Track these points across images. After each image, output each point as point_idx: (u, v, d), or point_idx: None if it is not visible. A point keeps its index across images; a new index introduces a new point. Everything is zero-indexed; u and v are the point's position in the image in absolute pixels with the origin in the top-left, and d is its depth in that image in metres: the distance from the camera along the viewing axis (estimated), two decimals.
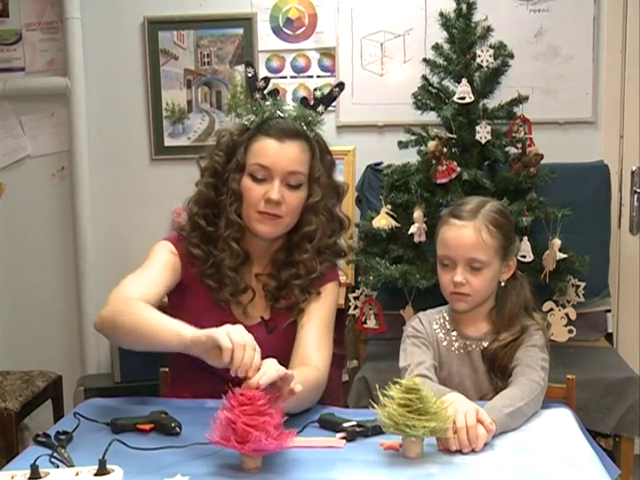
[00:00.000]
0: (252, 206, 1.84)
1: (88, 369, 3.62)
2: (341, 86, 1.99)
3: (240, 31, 3.53)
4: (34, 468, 1.30)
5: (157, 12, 3.54)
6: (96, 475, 1.30)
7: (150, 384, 2.16)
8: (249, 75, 1.95)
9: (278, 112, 1.87)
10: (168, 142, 3.61)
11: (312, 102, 1.94)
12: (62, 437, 1.60)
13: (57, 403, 3.35)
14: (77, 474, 1.31)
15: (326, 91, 1.97)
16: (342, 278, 2.08)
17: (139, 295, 1.73)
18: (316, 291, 1.92)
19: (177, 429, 1.64)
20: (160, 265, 1.86)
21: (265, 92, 1.93)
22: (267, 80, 1.94)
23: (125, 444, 1.54)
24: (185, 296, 1.92)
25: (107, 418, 1.69)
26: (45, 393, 3.26)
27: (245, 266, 1.93)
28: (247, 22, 3.51)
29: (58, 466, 1.45)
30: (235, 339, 1.47)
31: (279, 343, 1.87)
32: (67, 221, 3.66)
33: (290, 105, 1.92)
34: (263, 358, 1.79)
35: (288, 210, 1.85)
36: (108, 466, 1.31)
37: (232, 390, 1.43)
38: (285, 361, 1.84)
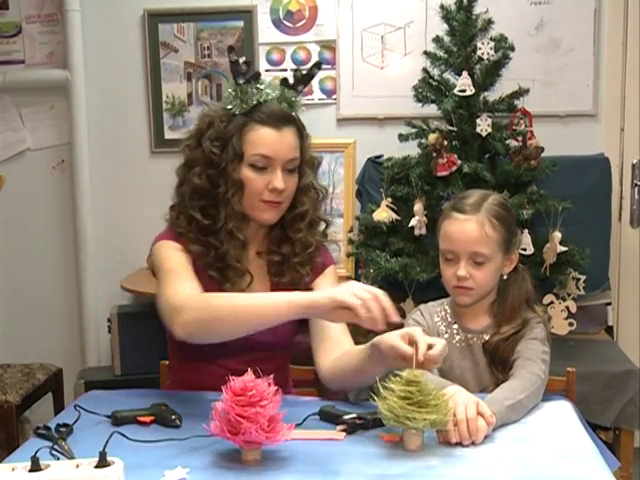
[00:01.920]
0: (256, 196, 1.83)
1: (88, 362, 3.63)
2: (318, 65, 1.97)
3: (240, 24, 3.52)
4: (35, 460, 1.30)
5: (157, 4, 3.53)
6: (96, 467, 1.29)
7: (150, 377, 2.16)
8: (232, 60, 1.90)
9: (268, 95, 1.84)
10: (168, 135, 3.60)
11: (292, 82, 1.91)
12: (62, 429, 1.60)
13: (57, 396, 3.35)
14: (77, 466, 1.31)
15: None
16: (335, 253, 2.08)
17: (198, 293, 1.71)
18: (318, 269, 1.94)
19: (177, 421, 1.64)
20: (183, 264, 1.82)
21: (247, 76, 1.88)
22: (249, 64, 1.90)
23: (125, 436, 1.54)
24: None
25: (107, 410, 1.69)
26: (45, 386, 3.26)
27: (245, 251, 1.91)
28: (247, 14, 3.51)
29: (59, 458, 1.45)
30: (361, 295, 1.50)
31: (283, 327, 1.84)
32: (67, 214, 3.66)
33: (270, 87, 1.87)
34: (264, 339, 1.79)
35: (287, 195, 1.86)
36: (108, 458, 1.31)
37: (229, 380, 1.43)
38: (286, 345, 1.93)
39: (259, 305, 1.61)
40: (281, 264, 1.92)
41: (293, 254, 1.91)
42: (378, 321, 1.51)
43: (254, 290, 1.90)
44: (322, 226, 1.99)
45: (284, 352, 1.99)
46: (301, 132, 1.88)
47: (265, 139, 1.82)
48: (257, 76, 1.88)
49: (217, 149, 1.84)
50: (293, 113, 1.87)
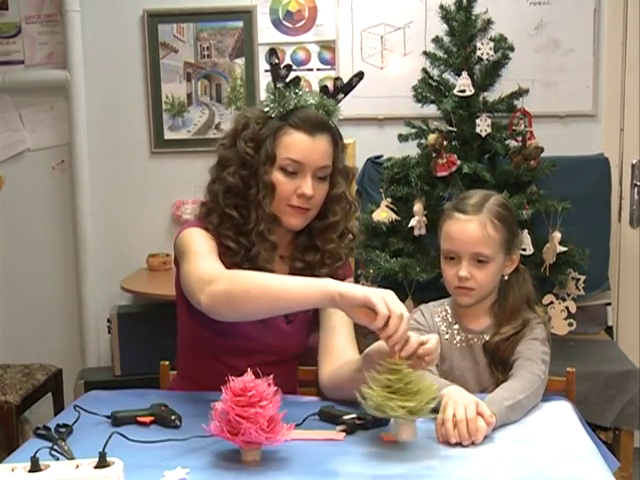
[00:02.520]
0: (284, 200, 1.82)
1: (88, 362, 3.63)
2: (360, 75, 1.96)
3: (240, 24, 3.52)
4: (34, 460, 1.30)
5: (157, 5, 3.54)
6: (96, 467, 1.29)
7: (150, 377, 2.16)
8: (273, 63, 1.89)
9: (306, 101, 1.84)
10: (168, 135, 3.61)
11: (332, 91, 1.90)
12: (62, 430, 1.59)
13: (57, 396, 3.35)
14: (77, 467, 1.31)
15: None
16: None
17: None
18: (339, 279, 1.92)
19: (177, 422, 1.64)
20: (213, 249, 1.80)
21: (287, 80, 1.87)
22: (289, 68, 1.89)
23: (125, 437, 1.54)
24: None
25: (107, 411, 1.69)
26: (45, 386, 3.27)
27: (274, 253, 1.90)
28: (247, 15, 3.51)
29: (58, 459, 1.45)
30: (392, 306, 1.48)
31: (296, 334, 1.87)
32: (67, 214, 3.66)
33: (309, 93, 1.87)
34: (275, 343, 1.78)
35: (316, 202, 1.84)
36: (108, 459, 1.31)
37: (229, 380, 1.43)
38: (297, 352, 1.94)
39: (289, 286, 1.57)
40: (303, 271, 1.90)
41: (321, 264, 1.90)
42: (394, 340, 1.48)
43: None
44: (349, 238, 1.98)
45: (293, 357, 1.99)
46: (336, 141, 1.87)
47: (297, 144, 1.80)
48: (297, 81, 1.87)
49: (251, 150, 1.82)
50: (330, 122, 1.85)
